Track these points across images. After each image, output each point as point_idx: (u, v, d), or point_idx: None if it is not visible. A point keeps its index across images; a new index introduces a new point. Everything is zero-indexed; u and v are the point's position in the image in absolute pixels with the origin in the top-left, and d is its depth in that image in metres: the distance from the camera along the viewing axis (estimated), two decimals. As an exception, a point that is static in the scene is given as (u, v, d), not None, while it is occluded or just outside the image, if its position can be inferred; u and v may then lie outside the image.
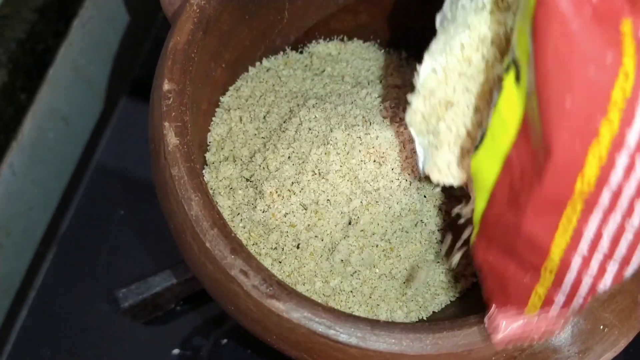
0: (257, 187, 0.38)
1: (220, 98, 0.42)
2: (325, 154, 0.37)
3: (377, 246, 0.38)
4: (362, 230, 0.38)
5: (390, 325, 0.30)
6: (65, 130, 0.64)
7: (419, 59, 0.47)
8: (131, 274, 0.49)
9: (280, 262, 0.37)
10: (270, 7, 0.42)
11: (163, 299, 0.46)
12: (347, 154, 0.37)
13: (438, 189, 0.40)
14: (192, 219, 0.31)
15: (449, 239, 0.38)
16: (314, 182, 0.37)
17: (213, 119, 0.41)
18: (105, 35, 0.66)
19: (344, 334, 0.30)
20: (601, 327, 0.31)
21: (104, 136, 0.59)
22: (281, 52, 0.45)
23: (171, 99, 0.33)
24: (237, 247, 0.31)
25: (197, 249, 0.31)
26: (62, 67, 0.62)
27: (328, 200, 0.37)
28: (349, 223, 0.38)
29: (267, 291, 0.30)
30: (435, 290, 0.40)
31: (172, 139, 0.32)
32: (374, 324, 0.30)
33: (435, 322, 0.31)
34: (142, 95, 0.59)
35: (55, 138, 0.63)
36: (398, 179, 0.38)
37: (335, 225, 0.37)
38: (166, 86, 0.33)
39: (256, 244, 0.38)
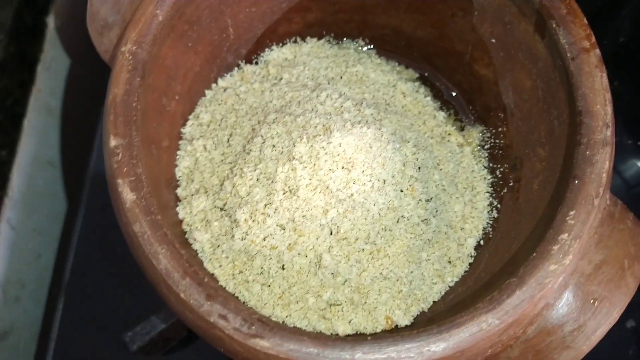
0: (231, 216, 0.38)
1: (182, 130, 0.41)
2: (292, 170, 0.37)
3: (362, 250, 0.38)
4: (344, 239, 0.37)
5: (378, 341, 0.30)
6: (54, 173, 0.65)
7: (377, 47, 0.47)
8: (138, 311, 0.49)
9: (269, 286, 0.37)
10: (212, 27, 0.41)
11: (172, 332, 0.47)
12: (314, 165, 0.37)
13: (415, 181, 0.39)
14: (162, 272, 0.31)
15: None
16: (286, 201, 0.37)
17: (178, 152, 0.41)
18: (73, 71, 0.66)
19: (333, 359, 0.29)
20: (591, 301, 0.31)
21: (88, 171, 0.59)
22: (236, 68, 0.44)
23: (120, 155, 0.32)
24: (212, 292, 0.31)
25: (174, 300, 0.31)
26: (36, 114, 0.62)
27: (304, 216, 0.37)
28: (330, 234, 0.37)
29: (249, 331, 0.30)
30: (432, 280, 0.39)
31: (128, 196, 0.32)
32: (361, 343, 0.30)
33: (423, 328, 0.30)
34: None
35: (45, 184, 0.63)
36: (370, 181, 0.37)
37: (317, 239, 0.37)
38: (112, 142, 0.32)
39: (242, 272, 0.38)
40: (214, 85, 0.43)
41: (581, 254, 0.31)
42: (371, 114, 0.40)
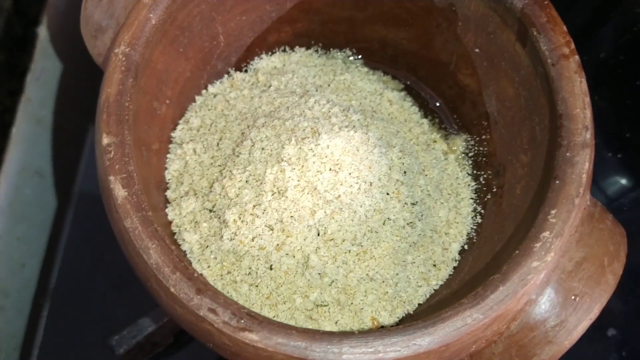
0: (220, 217, 0.38)
1: (171, 134, 0.42)
2: (281, 171, 0.37)
3: (349, 252, 0.38)
4: (331, 240, 0.38)
5: (365, 335, 0.30)
6: (42, 183, 0.65)
7: (364, 58, 0.48)
8: (125, 317, 0.49)
9: (257, 286, 0.38)
10: (203, 34, 0.42)
11: (159, 337, 0.47)
12: (302, 167, 0.37)
13: (401, 185, 0.40)
14: (153, 267, 0.31)
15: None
16: (275, 202, 0.37)
17: (168, 156, 0.41)
18: (62, 82, 0.67)
19: (320, 353, 0.30)
20: (572, 297, 0.31)
21: (77, 180, 0.59)
22: (225, 75, 0.45)
23: (112, 152, 0.33)
24: (202, 287, 0.31)
25: (163, 294, 0.32)
26: (25, 123, 0.62)
27: (292, 216, 0.37)
28: (317, 235, 0.38)
29: (238, 325, 0.30)
30: (417, 283, 0.40)
31: (119, 192, 0.32)
32: (349, 337, 0.30)
33: (409, 323, 0.31)
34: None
35: (33, 193, 0.63)
36: (357, 183, 0.38)
37: (304, 240, 0.38)
38: (105, 140, 0.33)
39: (230, 272, 0.38)
40: (204, 91, 0.44)
41: (562, 252, 0.32)
42: (358, 120, 0.41)
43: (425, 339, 0.30)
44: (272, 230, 0.38)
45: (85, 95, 0.69)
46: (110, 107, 0.34)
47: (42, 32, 0.62)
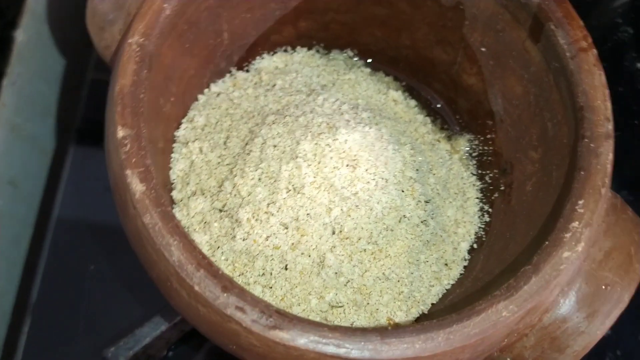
0: (232, 216, 0.37)
1: (175, 133, 0.41)
2: (297, 168, 0.36)
3: (365, 251, 0.37)
4: (347, 238, 0.37)
5: (399, 331, 0.29)
6: (15, 193, 0.62)
7: (365, 59, 0.48)
8: (114, 329, 0.47)
9: (270, 288, 0.36)
10: (209, 30, 0.40)
11: (154, 349, 0.45)
12: (319, 163, 0.37)
13: (414, 182, 0.39)
14: (175, 265, 0.30)
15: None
16: (290, 199, 0.36)
17: (172, 155, 0.40)
18: (39, 89, 0.64)
19: (356, 350, 0.29)
20: (603, 286, 0.31)
21: (58, 191, 0.57)
22: (227, 74, 0.44)
23: (128, 145, 0.31)
24: (228, 284, 0.29)
25: (185, 294, 0.30)
26: (-1, 130, 0.59)
27: (308, 214, 0.36)
28: (333, 233, 0.37)
29: (267, 323, 0.29)
30: (429, 282, 0.39)
31: (137, 187, 0.31)
32: (383, 333, 0.29)
33: (443, 317, 0.30)
34: (90, 141, 0.57)
35: (5, 204, 0.60)
36: (374, 179, 0.37)
37: (320, 238, 0.36)
38: (120, 133, 0.31)
39: (242, 274, 0.37)
40: (206, 90, 0.43)
41: (592, 242, 0.32)
42: (368, 117, 0.40)
43: (462, 332, 0.29)
44: (287, 228, 0.36)
45: (63, 103, 0.67)
46: (125, 99, 0.32)
47: (20, 36, 0.60)
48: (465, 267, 0.41)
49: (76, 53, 0.66)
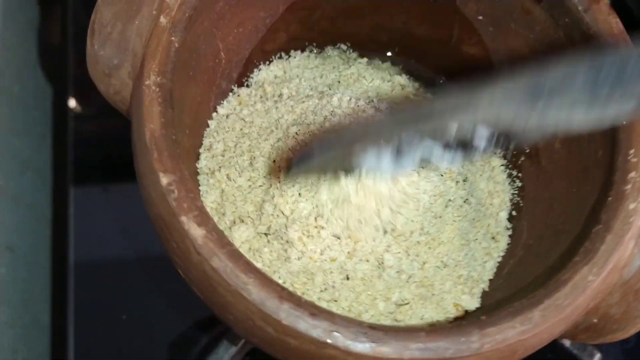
0: (281, 237, 0.36)
1: (197, 165, 0.39)
2: (335, 177, 0.35)
3: (419, 243, 0.37)
4: (400, 235, 0.36)
5: (494, 319, 0.29)
6: (14, 258, 0.59)
7: (359, 49, 0.47)
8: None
9: (336, 301, 0.35)
10: (207, 53, 0.39)
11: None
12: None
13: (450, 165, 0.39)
14: (256, 303, 0.28)
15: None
16: (337, 210, 0.35)
17: (200, 188, 0.38)
18: (17, 147, 0.61)
19: (460, 348, 0.28)
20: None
21: (69, 243, 0.54)
22: (230, 94, 0.43)
23: (176, 191, 0.30)
24: (315, 311, 0.28)
25: (272, 330, 0.29)
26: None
27: (358, 220, 0.35)
28: (385, 232, 0.36)
29: (367, 340, 0.28)
30: (482, 259, 0.39)
31: (197, 232, 0.29)
32: (480, 324, 0.29)
33: (532, 294, 0.30)
34: (87, 181, 0.55)
35: (7, 271, 0.58)
36: (416, 170, 0.36)
37: (374, 241, 0.36)
38: (164, 180, 0.30)
39: (304, 293, 0.36)
40: (214, 114, 0.41)
41: (652, 187, 0.32)
42: (386, 109, 0.40)
43: (554, 307, 0.29)
44: (339, 238, 0.36)
45: (42, 157, 0.64)
46: (159, 143, 0.30)
47: None
48: (510, 236, 0.41)
49: (44, 106, 0.64)
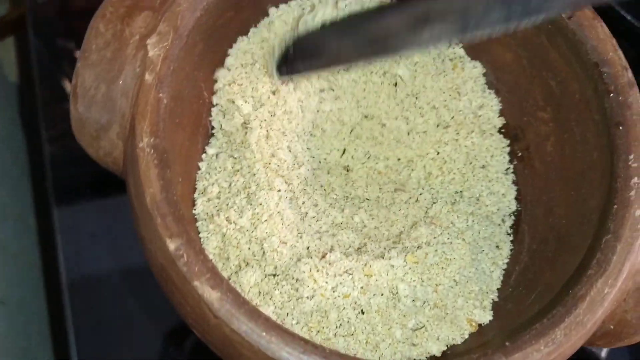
0: (291, 277, 0.35)
1: (193, 211, 0.38)
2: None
3: (432, 265, 0.37)
4: (415, 262, 0.36)
5: (519, 344, 0.29)
6: (6, 310, 0.58)
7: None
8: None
9: (352, 335, 0.35)
10: (191, 96, 0.38)
11: None
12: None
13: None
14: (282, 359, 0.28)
15: None
16: (341, 236, 0.35)
17: (200, 235, 0.38)
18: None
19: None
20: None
21: (62, 287, 0.53)
22: (214, 130, 0.41)
23: (185, 256, 0.29)
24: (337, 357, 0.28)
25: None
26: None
27: (366, 248, 0.35)
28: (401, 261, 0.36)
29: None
30: (489, 269, 0.39)
31: (212, 295, 0.29)
32: (505, 350, 0.29)
33: (551, 313, 0.30)
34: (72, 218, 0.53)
35: (2, 324, 0.56)
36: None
37: (387, 273, 0.36)
38: (172, 245, 0.29)
39: (320, 331, 0.35)
40: (204, 155, 0.40)
41: (655, 191, 0.32)
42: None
43: (576, 324, 0.29)
44: (351, 274, 0.35)
45: (39, 219, 0.63)
46: (161, 208, 0.30)
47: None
48: (512, 242, 0.41)
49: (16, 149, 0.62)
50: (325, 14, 0.37)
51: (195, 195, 0.39)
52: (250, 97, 0.38)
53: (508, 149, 0.42)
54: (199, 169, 0.40)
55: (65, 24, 0.62)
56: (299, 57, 0.34)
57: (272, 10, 0.40)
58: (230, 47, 0.40)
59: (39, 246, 0.64)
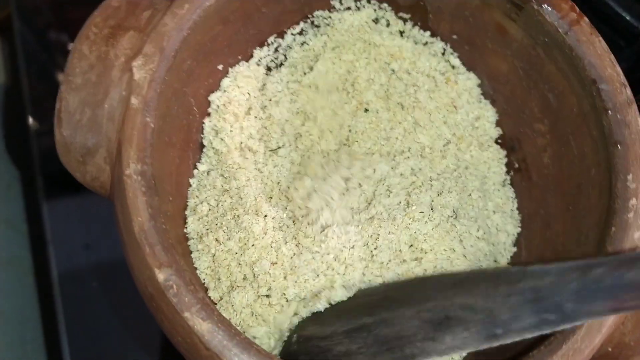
0: (286, 298, 0.35)
1: (185, 230, 0.37)
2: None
3: None
4: None
5: None
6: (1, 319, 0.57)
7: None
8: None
9: None
10: (180, 112, 0.37)
11: None
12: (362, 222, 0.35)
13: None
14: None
15: None
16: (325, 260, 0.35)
17: (192, 255, 0.37)
18: None
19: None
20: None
21: (54, 294, 0.52)
22: (205, 147, 0.41)
23: (174, 286, 0.28)
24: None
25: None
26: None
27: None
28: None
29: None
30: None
31: (202, 326, 0.28)
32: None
33: (549, 341, 0.29)
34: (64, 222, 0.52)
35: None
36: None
37: None
38: (161, 276, 0.28)
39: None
40: (195, 171, 0.40)
41: (653, 212, 0.31)
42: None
43: (574, 351, 0.29)
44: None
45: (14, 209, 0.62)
46: (149, 237, 0.29)
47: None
48: (510, 256, 0.40)
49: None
50: None
51: (187, 212, 0.38)
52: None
53: (505, 159, 0.42)
54: (191, 185, 0.39)
55: (56, 14, 0.61)
56: (303, 352, 0.32)
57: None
58: (220, 60, 0.39)
59: (31, 252, 0.63)
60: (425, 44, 0.42)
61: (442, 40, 0.42)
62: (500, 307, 0.26)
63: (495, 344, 0.27)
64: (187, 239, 0.37)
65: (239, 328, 0.35)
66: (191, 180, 0.39)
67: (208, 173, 0.40)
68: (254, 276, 0.36)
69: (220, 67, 0.39)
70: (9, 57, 0.72)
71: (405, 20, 0.41)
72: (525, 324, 0.26)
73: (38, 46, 0.60)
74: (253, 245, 0.36)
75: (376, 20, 0.42)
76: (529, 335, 0.27)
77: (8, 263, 0.60)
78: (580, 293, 0.25)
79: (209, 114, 0.39)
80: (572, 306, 0.25)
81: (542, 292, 0.26)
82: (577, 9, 0.34)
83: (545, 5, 0.34)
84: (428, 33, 0.41)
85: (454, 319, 0.27)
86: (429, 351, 0.27)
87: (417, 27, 0.41)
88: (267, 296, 0.36)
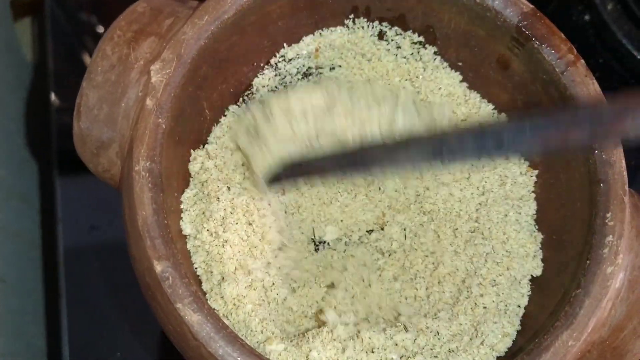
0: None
1: (181, 225, 0.39)
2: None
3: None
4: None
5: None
6: (4, 288, 0.59)
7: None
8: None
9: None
10: (193, 114, 0.39)
11: None
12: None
13: None
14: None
15: None
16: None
17: (189, 250, 0.39)
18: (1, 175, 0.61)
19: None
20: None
21: (59, 268, 0.54)
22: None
23: (170, 278, 0.31)
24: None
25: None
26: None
27: None
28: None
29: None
30: None
31: (193, 318, 0.30)
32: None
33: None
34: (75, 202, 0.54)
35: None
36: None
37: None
38: (158, 267, 0.31)
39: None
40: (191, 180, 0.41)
41: (628, 250, 0.33)
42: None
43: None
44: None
45: (41, 193, 0.64)
46: (151, 231, 0.31)
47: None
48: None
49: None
50: None
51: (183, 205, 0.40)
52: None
53: None
54: (188, 188, 0.41)
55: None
56: (287, 174, 0.37)
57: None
58: (234, 67, 0.41)
59: (40, 226, 0.65)
60: None
61: (451, 68, 0.43)
62: (450, 135, 0.31)
63: (442, 160, 0.31)
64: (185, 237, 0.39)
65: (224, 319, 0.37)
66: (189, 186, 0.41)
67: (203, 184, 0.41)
68: (246, 271, 0.38)
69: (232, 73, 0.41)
70: (37, 37, 0.74)
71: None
72: (467, 148, 0.30)
73: (67, 26, 0.62)
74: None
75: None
76: (470, 159, 0.33)
77: (17, 235, 0.62)
78: (519, 129, 0.28)
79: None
80: (509, 137, 0.28)
81: (486, 127, 0.31)
82: (575, 51, 0.36)
83: (545, 45, 0.36)
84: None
85: (412, 140, 0.33)
86: (385, 160, 0.33)
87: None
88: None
